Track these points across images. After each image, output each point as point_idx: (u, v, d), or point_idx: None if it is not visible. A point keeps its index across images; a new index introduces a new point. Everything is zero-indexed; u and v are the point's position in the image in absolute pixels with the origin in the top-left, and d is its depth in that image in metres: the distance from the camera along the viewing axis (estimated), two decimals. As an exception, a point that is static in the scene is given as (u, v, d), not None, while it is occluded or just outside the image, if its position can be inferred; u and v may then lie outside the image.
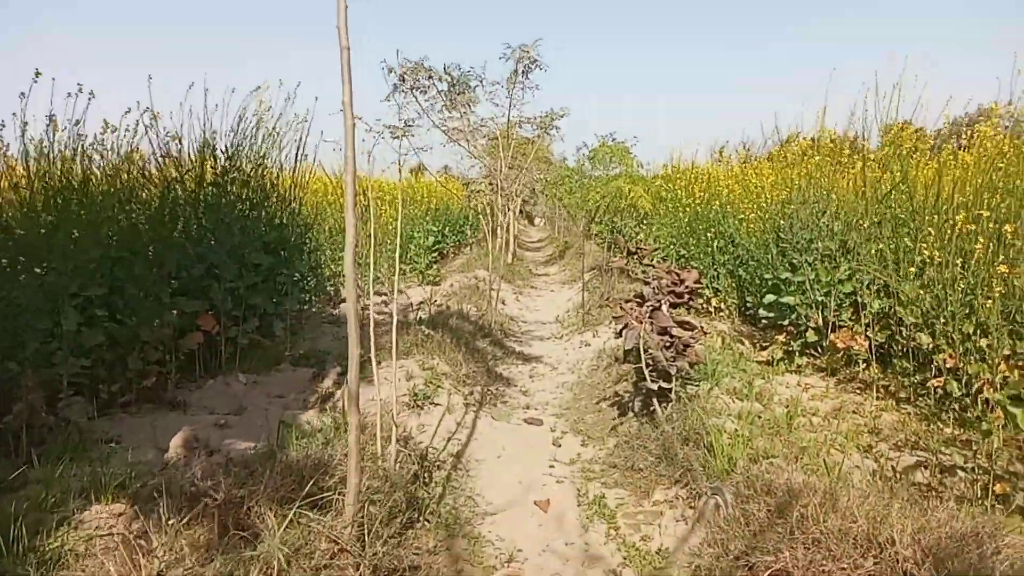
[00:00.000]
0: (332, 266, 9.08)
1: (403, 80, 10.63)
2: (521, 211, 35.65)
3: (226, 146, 5.53)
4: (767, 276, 5.79)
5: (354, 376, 2.54)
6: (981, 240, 4.09)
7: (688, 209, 8.28)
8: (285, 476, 2.84)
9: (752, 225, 6.36)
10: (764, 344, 6.22)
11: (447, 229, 14.55)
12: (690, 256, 8.52)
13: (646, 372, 4.12)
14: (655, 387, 4.10)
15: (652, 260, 7.30)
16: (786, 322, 5.73)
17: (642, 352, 4.10)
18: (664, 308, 4.26)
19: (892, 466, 3.70)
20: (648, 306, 4.30)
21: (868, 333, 5.27)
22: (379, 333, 6.57)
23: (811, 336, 5.58)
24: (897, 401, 4.94)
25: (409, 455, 3.79)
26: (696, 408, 4.02)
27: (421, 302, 7.92)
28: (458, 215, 15.53)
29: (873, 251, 5.05)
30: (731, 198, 7.69)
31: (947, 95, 4.91)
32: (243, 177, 5.55)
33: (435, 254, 11.50)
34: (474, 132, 13.19)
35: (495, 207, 14.47)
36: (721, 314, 8.06)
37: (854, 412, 4.78)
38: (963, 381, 4.42)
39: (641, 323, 4.21)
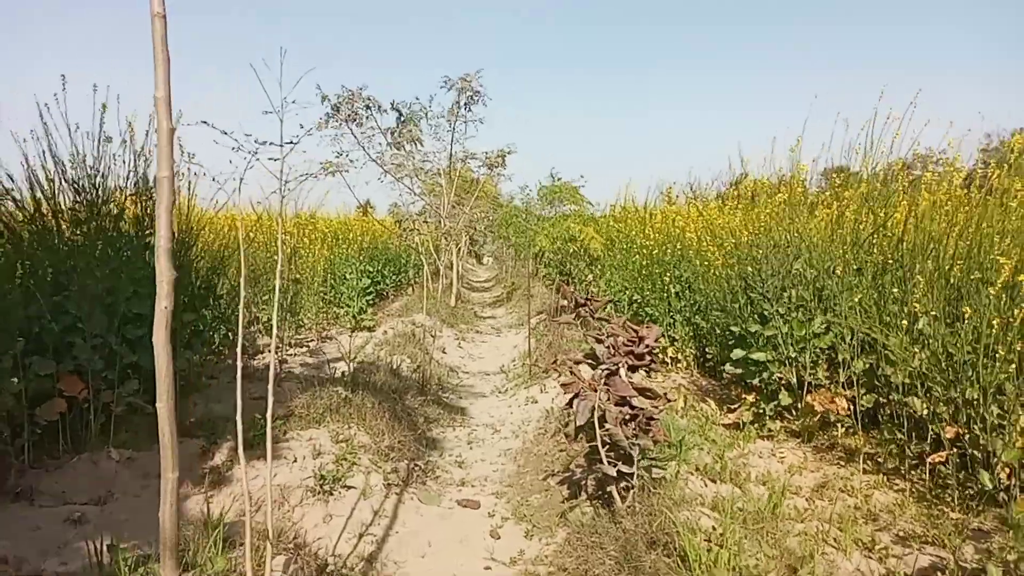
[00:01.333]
0: (254, 311, 8.15)
1: (337, 110, 9.89)
2: (470, 250, 34.97)
3: (89, 171, 4.66)
4: (734, 328, 5.14)
5: (169, 516, 1.71)
6: (992, 290, 3.50)
7: (643, 252, 7.67)
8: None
9: (717, 271, 5.73)
10: (731, 405, 5.56)
11: (387, 269, 13.70)
12: (644, 302, 7.89)
13: (602, 453, 3.37)
14: (613, 472, 3.35)
15: (605, 312, 6.65)
16: (755, 380, 5.08)
17: (597, 428, 3.35)
18: (622, 372, 3.54)
19: (905, 573, 3.01)
20: (603, 370, 3.58)
21: (851, 394, 4.66)
22: (293, 393, 5.71)
23: (785, 398, 4.94)
24: (887, 475, 4.30)
25: (301, 569, 2.94)
26: (664, 499, 3.28)
27: (338, 358, 7.02)
28: (399, 254, 14.71)
29: (853, 301, 4.45)
30: (690, 240, 7.10)
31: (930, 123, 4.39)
32: (110, 211, 4.69)
33: (370, 296, 10.63)
34: (417, 170, 12.52)
35: (438, 246, 13.71)
36: (679, 365, 7.42)
37: (842, 490, 4.11)
38: (966, 454, 3.81)
39: (595, 391, 3.47)
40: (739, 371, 5.28)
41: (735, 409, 5.31)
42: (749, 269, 4.87)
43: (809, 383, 4.88)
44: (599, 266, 8.72)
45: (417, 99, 11.27)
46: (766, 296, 4.77)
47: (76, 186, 4.63)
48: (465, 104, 10.85)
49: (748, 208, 5.48)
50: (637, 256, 7.69)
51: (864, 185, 4.59)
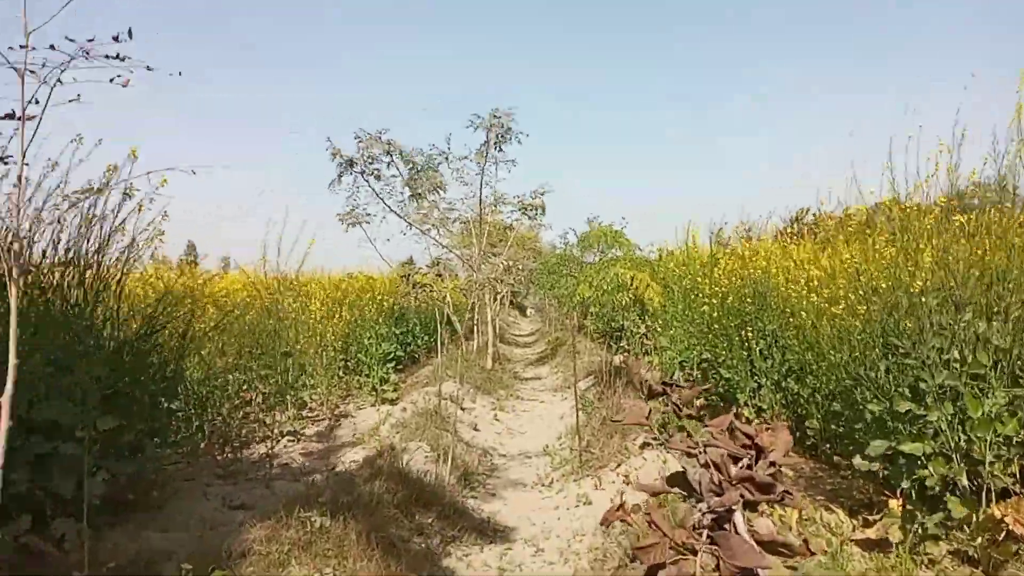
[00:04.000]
0: (256, 388, 6.80)
1: (352, 164, 8.77)
2: (512, 302, 33.59)
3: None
4: (873, 407, 3.61)
5: None
6: None
7: (714, 301, 6.20)
8: None
9: (835, 324, 4.23)
10: (864, 511, 4.00)
11: (418, 330, 12.40)
12: (717, 362, 6.38)
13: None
14: None
15: (698, 406, 5.20)
16: (904, 482, 3.53)
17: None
18: (739, 519, 2.08)
19: None
20: (704, 513, 2.12)
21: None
22: (265, 509, 4.35)
23: (956, 508, 3.38)
24: None
25: None
26: None
27: (349, 441, 5.57)
28: (433, 313, 13.41)
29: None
30: (775, 284, 5.64)
31: None
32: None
33: (393, 364, 9.30)
34: (443, 219, 11.30)
35: (468, 301, 12.39)
36: (767, 441, 5.86)
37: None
38: None
39: (695, 553, 2.02)
40: (874, 466, 3.75)
41: (872, 520, 3.74)
42: (908, 324, 3.34)
43: (990, 487, 3.34)
44: (658, 319, 7.24)
45: (433, 146, 10.08)
46: (925, 363, 3.25)
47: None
48: (495, 143, 9.60)
49: (865, 240, 4.01)
50: (706, 306, 6.22)
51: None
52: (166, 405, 4.59)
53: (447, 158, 10.25)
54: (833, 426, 5.45)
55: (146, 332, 4.17)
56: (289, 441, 6.55)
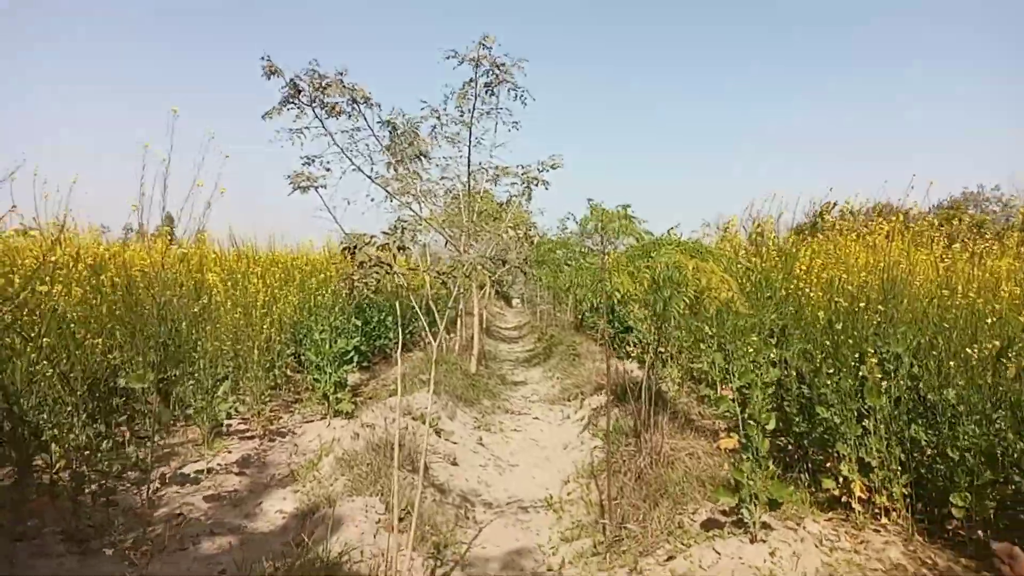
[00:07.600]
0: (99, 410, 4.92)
1: (297, 90, 6.73)
2: (497, 292, 31.52)
3: None
4: None
5: None
6: None
7: (810, 309, 4.34)
8: None
9: None
10: None
11: (390, 320, 10.43)
12: (805, 394, 4.52)
13: None
14: None
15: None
16: None
17: None
18: None
19: None
20: None
21: None
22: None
23: None
24: None
25: None
26: None
27: (283, 476, 3.54)
28: (415, 300, 11.42)
29: None
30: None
31: None
32: None
33: (353, 363, 7.35)
34: (425, 192, 9.37)
35: (454, 290, 10.45)
36: (874, 508, 4.03)
37: None
38: None
39: None
40: None
41: None
42: None
43: None
44: (728, 327, 5.28)
45: (425, 103, 8.15)
46: None
47: None
48: (486, 86, 7.61)
49: None
50: (793, 308, 4.36)
51: None
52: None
53: (439, 117, 8.30)
54: (989, 502, 3.66)
55: None
56: (194, 474, 4.63)
